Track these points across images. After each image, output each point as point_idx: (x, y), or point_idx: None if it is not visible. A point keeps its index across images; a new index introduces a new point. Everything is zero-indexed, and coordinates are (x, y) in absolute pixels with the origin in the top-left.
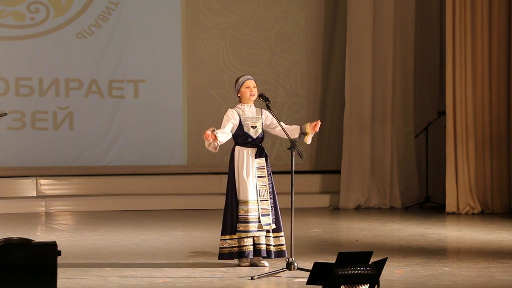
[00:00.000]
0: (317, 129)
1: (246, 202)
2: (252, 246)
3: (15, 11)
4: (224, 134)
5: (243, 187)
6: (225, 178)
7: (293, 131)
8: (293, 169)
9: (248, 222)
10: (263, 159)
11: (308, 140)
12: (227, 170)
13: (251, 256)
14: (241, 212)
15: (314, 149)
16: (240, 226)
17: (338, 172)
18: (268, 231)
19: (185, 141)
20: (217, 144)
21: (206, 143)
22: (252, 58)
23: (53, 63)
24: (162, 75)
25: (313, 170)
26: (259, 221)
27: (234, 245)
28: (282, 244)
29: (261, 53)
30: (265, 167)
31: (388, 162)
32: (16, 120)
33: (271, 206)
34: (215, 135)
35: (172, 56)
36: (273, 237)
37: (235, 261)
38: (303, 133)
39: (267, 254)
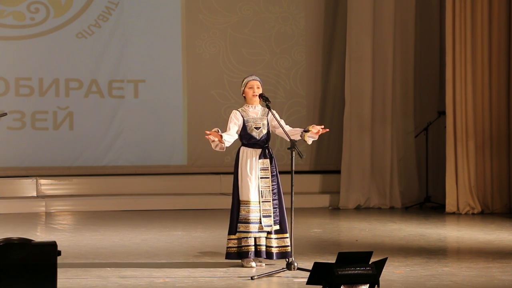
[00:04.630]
0: (320, 131)
1: (247, 202)
2: (253, 247)
3: (15, 11)
4: (230, 136)
5: (245, 187)
6: (225, 178)
7: (295, 133)
8: (293, 169)
9: (248, 223)
10: (267, 160)
11: (308, 139)
12: (227, 170)
13: (252, 256)
14: (242, 213)
15: (314, 149)
16: (241, 227)
17: (338, 172)
18: (269, 232)
19: (185, 141)
20: (224, 145)
21: (213, 144)
22: (252, 58)
23: (53, 63)
24: (162, 75)
25: (313, 170)
26: (260, 222)
27: (238, 245)
28: (287, 246)
29: (261, 53)
30: (269, 168)
31: (388, 162)
32: (16, 120)
33: (275, 207)
34: (220, 135)
35: (172, 56)
36: (276, 238)
37: (239, 261)
38: (305, 131)
39: (267, 256)
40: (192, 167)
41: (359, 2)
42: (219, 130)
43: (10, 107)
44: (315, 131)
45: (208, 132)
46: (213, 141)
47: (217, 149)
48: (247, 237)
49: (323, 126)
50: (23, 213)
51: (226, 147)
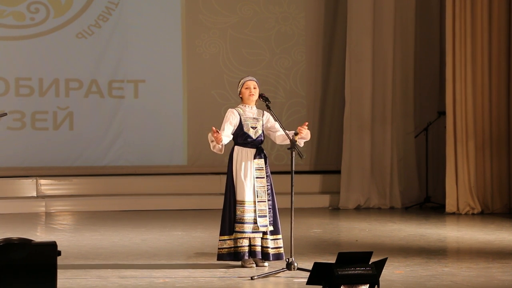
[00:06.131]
0: (303, 128)
1: (243, 202)
2: (247, 247)
3: (15, 11)
4: (226, 137)
5: (241, 187)
6: (225, 178)
7: (286, 138)
8: (293, 169)
9: (243, 223)
10: (262, 160)
11: (300, 141)
12: (226, 170)
13: (247, 257)
14: (238, 213)
15: (314, 149)
16: (237, 227)
17: (338, 172)
18: (265, 233)
19: (185, 141)
20: (222, 146)
21: (212, 145)
22: (252, 58)
23: (53, 63)
24: (162, 75)
25: (313, 170)
26: (255, 222)
27: (232, 246)
28: (280, 247)
29: (261, 53)
30: (264, 168)
31: (388, 162)
32: (16, 120)
33: (269, 208)
34: (221, 137)
35: (172, 56)
36: (272, 239)
37: (238, 262)
38: (295, 133)
39: (263, 256)
40: (192, 167)
41: (359, 2)
42: (219, 131)
43: (10, 107)
44: (302, 132)
45: (215, 129)
46: (212, 141)
47: (215, 150)
48: (242, 238)
49: (306, 123)
50: (23, 213)
51: (223, 146)
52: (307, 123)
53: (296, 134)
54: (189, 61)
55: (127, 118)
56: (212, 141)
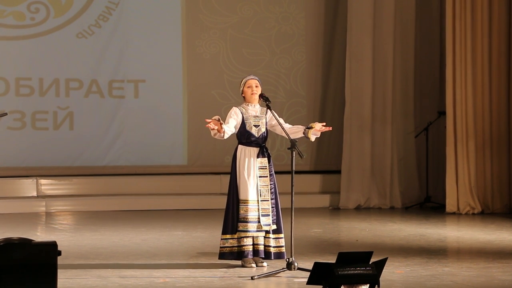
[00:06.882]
0: (323, 129)
1: (246, 201)
2: (251, 246)
3: (15, 11)
4: (228, 128)
5: (244, 186)
6: (225, 178)
7: (297, 131)
8: (293, 169)
9: (247, 222)
10: (266, 158)
11: (312, 136)
12: (227, 170)
13: (250, 256)
14: (241, 212)
15: (314, 149)
16: (240, 226)
17: (338, 172)
18: (267, 231)
19: (185, 141)
20: (223, 134)
21: (212, 132)
22: (252, 58)
23: (53, 63)
24: (162, 75)
25: (313, 170)
26: (259, 221)
27: (234, 245)
28: (282, 246)
29: (261, 53)
30: (267, 167)
31: (388, 162)
32: (16, 120)
33: (272, 207)
34: (220, 123)
35: (172, 56)
36: (274, 238)
37: (239, 261)
38: (308, 128)
39: (265, 255)
40: (192, 167)
41: (359, 2)
42: (220, 118)
43: (10, 107)
44: (318, 128)
45: (208, 121)
46: (213, 129)
47: (216, 137)
48: (246, 237)
49: (325, 124)
50: (23, 213)
51: (225, 138)
52: (326, 126)
53: (309, 128)
54: (189, 61)
55: (127, 118)
56: (213, 129)
